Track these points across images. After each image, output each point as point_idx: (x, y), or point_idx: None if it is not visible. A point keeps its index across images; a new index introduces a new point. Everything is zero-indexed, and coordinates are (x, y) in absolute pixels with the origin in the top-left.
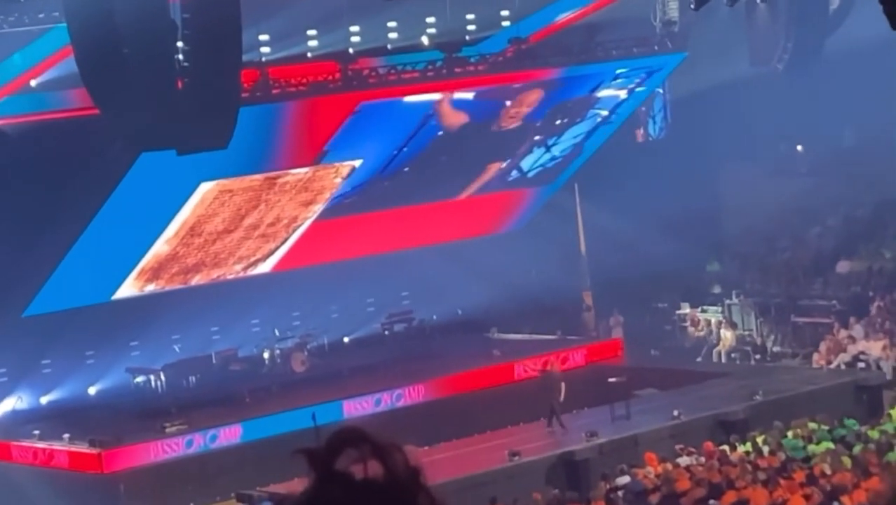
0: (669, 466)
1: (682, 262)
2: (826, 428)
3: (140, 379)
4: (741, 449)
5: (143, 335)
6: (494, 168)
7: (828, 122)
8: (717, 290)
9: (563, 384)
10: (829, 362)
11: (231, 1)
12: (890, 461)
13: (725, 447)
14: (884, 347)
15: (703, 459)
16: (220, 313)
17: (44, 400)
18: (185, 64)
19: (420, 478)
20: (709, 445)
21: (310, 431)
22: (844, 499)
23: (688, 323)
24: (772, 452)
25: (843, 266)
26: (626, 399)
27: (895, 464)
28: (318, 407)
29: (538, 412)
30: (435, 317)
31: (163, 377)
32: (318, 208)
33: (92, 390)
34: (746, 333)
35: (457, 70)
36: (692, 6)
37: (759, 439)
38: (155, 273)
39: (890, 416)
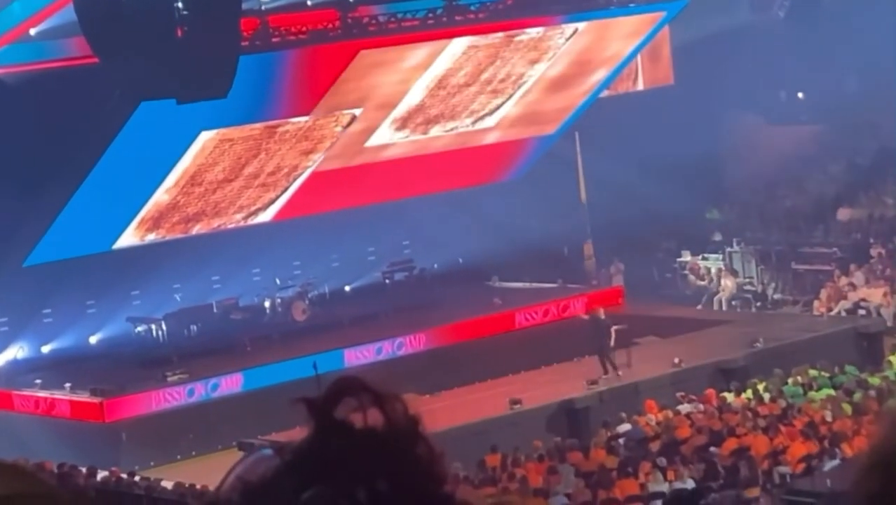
0: (670, 413)
1: (682, 209)
2: (826, 375)
3: (141, 328)
4: (742, 396)
5: (144, 284)
6: None
7: (829, 69)
8: (717, 237)
9: (612, 329)
10: (830, 310)
11: None
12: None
13: (726, 394)
14: (884, 294)
15: (702, 407)
16: (220, 262)
17: (45, 349)
18: (185, 12)
19: (419, 427)
20: (710, 392)
21: (311, 380)
22: (845, 446)
23: (688, 271)
24: (772, 400)
25: (843, 213)
26: (627, 347)
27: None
28: (319, 356)
29: (539, 360)
30: (436, 265)
31: (164, 326)
32: (318, 157)
33: (93, 340)
34: (747, 280)
35: (457, 18)
36: None
37: (760, 387)
38: (155, 222)
39: (890, 363)
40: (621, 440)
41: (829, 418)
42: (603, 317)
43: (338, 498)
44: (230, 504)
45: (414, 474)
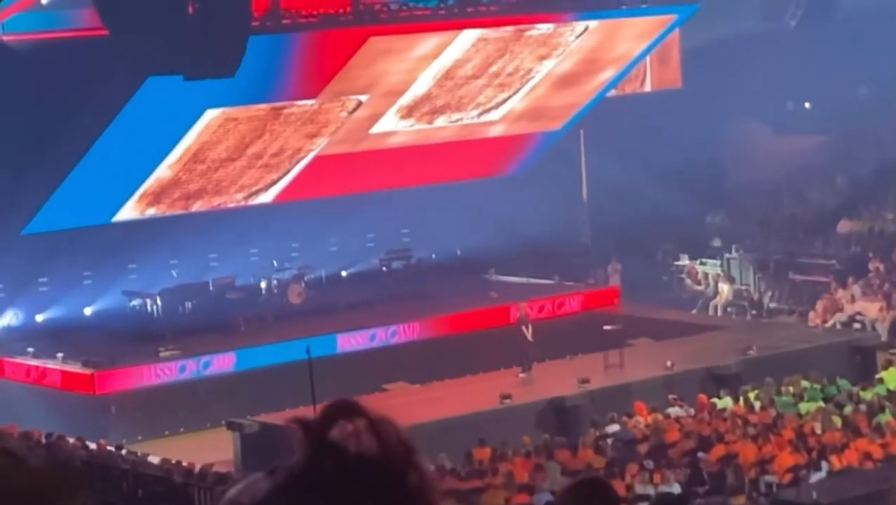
0: (660, 416)
1: (683, 213)
2: (818, 387)
3: (136, 302)
4: (733, 403)
5: (142, 259)
6: None
7: (838, 80)
8: (716, 243)
9: (530, 326)
10: (825, 321)
11: None
12: (880, 423)
13: (716, 400)
14: (880, 309)
15: (692, 411)
16: (219, 241)
17: (39, 318)
18: None
19: (412, 455)
20: (701, 397)
21: (303, 364)
22: (833, 458)
23: (686, 274)
24: (763, 408)
25: (843, 226)
26: (620, 347)
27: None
28: (313, 339)
29: (532, 356)
30: (433, 256)
31: (159, 302)
32: (322, 141)
33: (88, 311)
34: (744, 287)
35: (468, 10)
36: None
37: (751, 395)
38: (156, 197)
39: (882, 378)
40: (609, 440)
41: (818, 430)
42: (526, 316)
43: None
44: None
45: (405, 503)
